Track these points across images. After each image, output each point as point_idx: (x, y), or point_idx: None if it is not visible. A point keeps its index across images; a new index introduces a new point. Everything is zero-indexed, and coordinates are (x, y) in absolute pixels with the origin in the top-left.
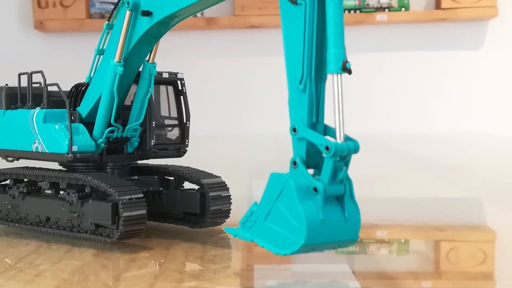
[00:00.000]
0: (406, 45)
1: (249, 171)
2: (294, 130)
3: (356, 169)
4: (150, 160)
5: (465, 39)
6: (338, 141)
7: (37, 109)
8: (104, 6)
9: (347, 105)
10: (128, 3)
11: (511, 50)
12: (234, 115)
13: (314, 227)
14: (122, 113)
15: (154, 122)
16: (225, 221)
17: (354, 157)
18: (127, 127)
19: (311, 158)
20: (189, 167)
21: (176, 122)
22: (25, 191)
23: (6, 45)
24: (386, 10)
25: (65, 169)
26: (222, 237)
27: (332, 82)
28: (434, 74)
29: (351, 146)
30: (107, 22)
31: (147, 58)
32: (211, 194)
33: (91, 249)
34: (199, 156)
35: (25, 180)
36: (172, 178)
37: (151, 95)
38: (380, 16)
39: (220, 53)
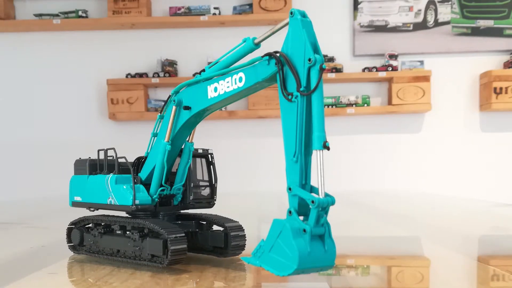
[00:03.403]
0: (368, 130)
1: (258, 218)
2: (290, 189)
3: (333, 216)
4: (189, 210)
5: (409, 126)
6: (320, 197)
7: (111, 175)
8: (157, 102)
9: (326, 171)
10: (174, 101)
11: (440, 134)
12: (248, 178)
13: (304, 257)
14: (170, 177)
15: (192, 184)
16: (241, 253)
17: (331, 208)
18: (173, 187)
19: (302, 208)
20: (216, 214)
21: (207, 183)
22: (102, 231)
23: (89, 130)
24: (354, 105)
25: (130, 216)
26: (240, 263)
27: (316, 156)
28: (387, 150)
29: (330, 200)
30: (159, 114)
31: (187, 139)
32: (232, 233)
33: (148, 272)
34: (224, 207)
35: (102, 224)
36: (204, 222)
37: (190, 164)
38: (349, 110)
39: (238, 135)
